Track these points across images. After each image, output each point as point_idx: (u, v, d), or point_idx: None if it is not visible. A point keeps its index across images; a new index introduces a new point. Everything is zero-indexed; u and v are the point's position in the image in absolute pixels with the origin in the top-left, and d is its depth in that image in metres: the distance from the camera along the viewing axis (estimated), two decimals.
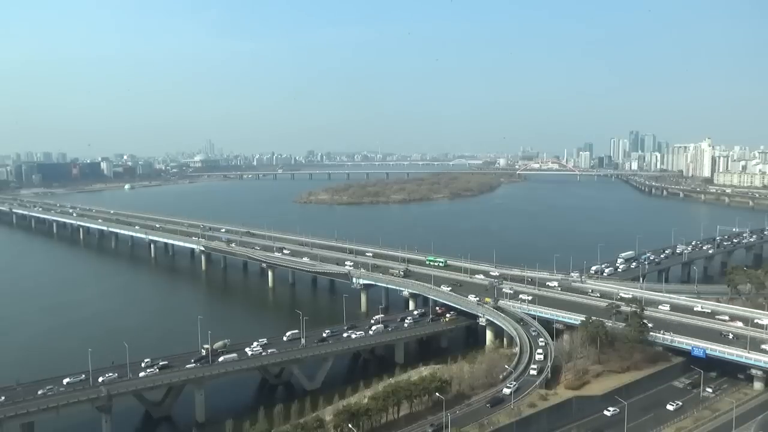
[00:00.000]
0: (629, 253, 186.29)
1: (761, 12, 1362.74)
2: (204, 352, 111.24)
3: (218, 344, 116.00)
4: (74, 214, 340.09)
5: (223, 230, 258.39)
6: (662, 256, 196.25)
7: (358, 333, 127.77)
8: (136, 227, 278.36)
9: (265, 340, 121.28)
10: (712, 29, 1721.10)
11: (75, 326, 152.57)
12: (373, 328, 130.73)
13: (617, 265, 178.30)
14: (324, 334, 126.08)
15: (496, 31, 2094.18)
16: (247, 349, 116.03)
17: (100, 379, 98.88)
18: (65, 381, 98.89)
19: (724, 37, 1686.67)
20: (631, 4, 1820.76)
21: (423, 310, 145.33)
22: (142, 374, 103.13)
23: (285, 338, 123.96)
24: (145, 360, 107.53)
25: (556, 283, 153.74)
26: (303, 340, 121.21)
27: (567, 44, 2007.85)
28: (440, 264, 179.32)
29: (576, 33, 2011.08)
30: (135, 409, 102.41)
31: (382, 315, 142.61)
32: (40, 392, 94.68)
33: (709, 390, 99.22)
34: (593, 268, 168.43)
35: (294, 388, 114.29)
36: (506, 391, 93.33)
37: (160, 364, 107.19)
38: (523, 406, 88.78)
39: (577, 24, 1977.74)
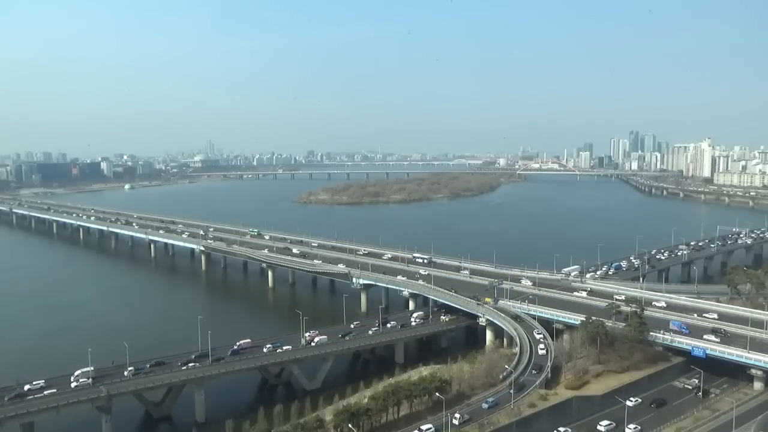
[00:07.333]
0: (575, 267, 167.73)
1: (761, 12, 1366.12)
2: None
3: None
4: (91, 217, 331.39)
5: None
6: (628, 261, 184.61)
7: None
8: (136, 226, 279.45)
9: (91, 369, 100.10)
10: (712, 29, 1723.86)
11: (75, 326, 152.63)
12: (316, 339, 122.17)
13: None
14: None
15: (496, 31, 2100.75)
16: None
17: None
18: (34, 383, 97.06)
19: (724, 37, 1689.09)
20: (631, 4, 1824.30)
21: (393, 322, 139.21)
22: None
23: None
24: None
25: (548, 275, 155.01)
26: (303, 341, 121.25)
27: (567, 44, 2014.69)
28: (254, 233, 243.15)
29: (576, 33, 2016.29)
30: (135, 409, 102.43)
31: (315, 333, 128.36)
32: (6, 398, 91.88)
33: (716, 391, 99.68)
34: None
35: (294, 388, 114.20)
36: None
37: None
38: (523, 406, 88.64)
39: (578, 24, 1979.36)
